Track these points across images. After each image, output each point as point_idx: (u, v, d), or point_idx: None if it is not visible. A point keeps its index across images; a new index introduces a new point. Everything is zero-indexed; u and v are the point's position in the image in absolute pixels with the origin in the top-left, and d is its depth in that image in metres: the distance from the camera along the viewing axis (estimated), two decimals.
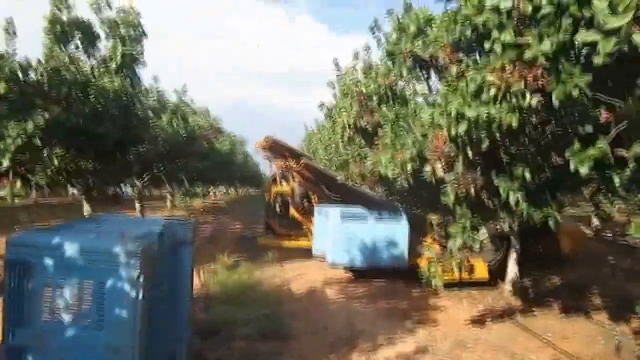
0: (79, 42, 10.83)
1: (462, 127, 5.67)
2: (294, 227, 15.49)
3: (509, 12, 5.11)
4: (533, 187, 6.47)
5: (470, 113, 5.46)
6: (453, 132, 5.87)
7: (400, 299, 10.06)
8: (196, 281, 9.87)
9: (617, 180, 5.31)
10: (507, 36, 5.09)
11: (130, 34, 11.17)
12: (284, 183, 16.32)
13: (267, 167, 18.60)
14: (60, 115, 9.46)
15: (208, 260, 12.37)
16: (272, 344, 7.12)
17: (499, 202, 6.77)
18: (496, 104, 5.14)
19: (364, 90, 11.06)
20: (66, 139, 10.28)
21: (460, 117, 5.65)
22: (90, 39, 10.91)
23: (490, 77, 5.05)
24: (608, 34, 3.34)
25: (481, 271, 10.43)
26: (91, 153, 12.10)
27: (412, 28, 9.40)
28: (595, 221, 18.66)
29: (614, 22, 3.26)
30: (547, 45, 4.27)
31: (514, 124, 5.01)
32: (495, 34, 5.22)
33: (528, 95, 4.73)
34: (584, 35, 3.72)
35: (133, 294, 4.34)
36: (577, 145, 4.82)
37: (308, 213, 14.43)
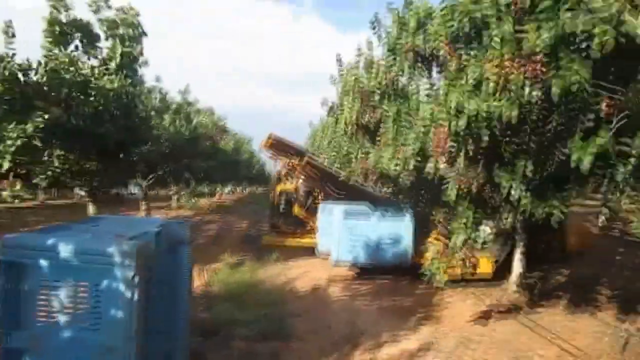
0: (78, 42, 10.79)
1: (462, 122, 5.57)
2: (298, 225, 15.42)
3: (507, 5, 5.03)
4: (535, 182, 6.37)
5: (469, 107, 5.38)
6: (453, 127, 5.78)
7: (404, 297, 9.99)
8: (198, 280, 9.90)
9: (620, 173, 5.20)
10: (506, 29, 5.00)
11: (129, 33, 11.12)
12: (288, 181, 16.28)
13: (273, 165, 18.63)
14: (60, 116, 9.44)
15: (212, 259, 12.37)
16: (273, 344, 7.07)
17: (501, 197, 6.68)
18: (495, 98, 5.04)
19: (366, 87, 10.94)
20: (67, 140, 10.28)
21: (459, 111, 5.56)
22: (89, 39, 10.88)
23: (489, 71, 4.95)
24: (601, 20, 3.25)
25: (485, 268, 10.32)
26: (94, 153, 12.10)
27: (413, 23, 9.26)
28: (602, 217, 18.43)
29: (605, 9, 3.17)
30: (545, 37, 4.17)
31: (514, 117, 4.91)
32: (493, 26, 5.14)
33: (527, 88, 4.63)
34: (576, 23, 3.63)
35: (128, 294, 4.29)
36: (578, 139, 4.72)
37: (312, 211, 14.37)
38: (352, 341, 7.36)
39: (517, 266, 10.15)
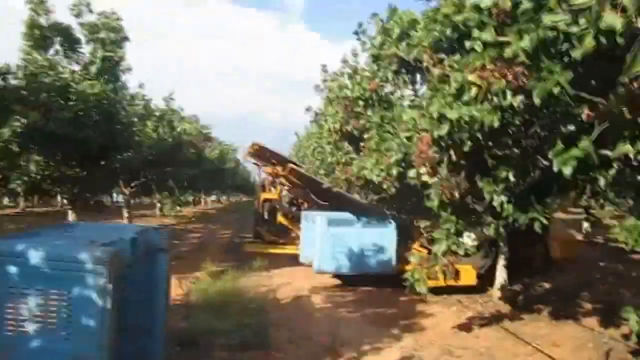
0: (59, 46, 10.65)
1: (444, 129, 5.54)
2: (282, 233, 15.29)
3: (489, 10, 5.01)
4: (518, 190, 6.35)
5: (451, 114, 5.33)
6: (435, 135, 5.74)
7: (387, 306, 9.90)
8: (179, 289, 9.74)
9: (602, 181, 5.19)
10: (488, 35, 4.98)
11: (111, 37, 11.00)
12: (272, 189, 16.18)
13: (257, 174, 18.53)
14: (38, 120, 9.28)
15: (194, 268, 12.20)
16: (252, 354, 6.93)
17: (483, 205, 6.64)
18: (477, 104, 5.01)
19: (350, 95, 10.94)
20: (46, 145, 10.13)
21: (442, 118, 5.52)
22: (70, 43, 10.74)
23: (471, 77, 4.92)
24: (577, 14, 3.22)
25: (468, 277, 10.29)
26: (74, 160, 11.93)
27: (396, 31, 9.30)
28: (586, 225, 18.60)
29: (585, 3, 3.13)
30: (526, 42, 4.14)
31: (495, 124, 4.88)
32: (475, 32, 5.12)
33: (509, 95, 4.60)
34: (551, 17, 3.61)
35: (101, 302, 4.16)
36: (560, 146, 4.68)
37: (296, 219, 14.26)
38: (333, 351, 7.23)
39: (501, 275, 10.15)
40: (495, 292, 10.22)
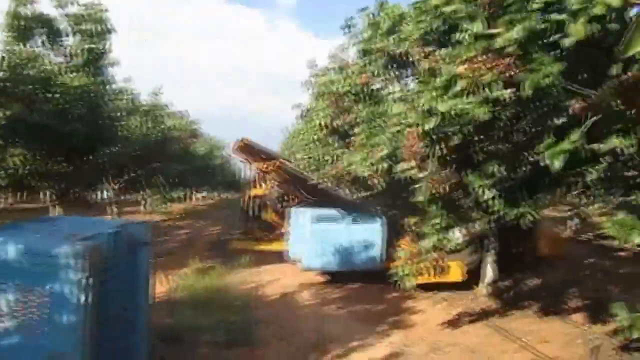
0: (43, 37, 10.43)
1: (433, 122, 5.45)
2: (270, 230, 15.18)
3: (478, 2, 4.93)
4: (507, 185, 6.28)
5: (440, 107, 5.25)
6: (424, 128, 5.66)
7: (375, 302, 9.82)
8: (164, 286, 9.60)
9: (591, 175, 5.14)
10: (477, 27, 4.90)
11: (95, 29, 10.77)
12: (260, 186, 16.06)
13: (245, 170, 18.39)
14: (21, 112, 9.05)
15: (180, 264, 12.05)
16: (238, 351, 6.82)
17: (472, 200, 6.58)
18: (466, 97, 4.92)
19: (338, 90, 10.81)
20: (29, 138, 9.89)
21: (430, 111, 5.43)
22: (54, 35, 10.51)
23: (460, 69, 4.83)
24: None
25: (456, 273, 10.22)
26: (60, 154, 11.71)
27: (385, 25, 9.22)
28: (573, 222, 18.65)
29: None
30: (516, 32, 4.06)
31: (485, 116, 4.80)
32: (465, 24, 5.04)
33: (498, 86, 4.52)
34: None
35: (80, 297, 4.05)
36: (549, 139, 4.61)
37: (284, 215, 14.15)
38: (320, 348, 7.15)
39: (489, 271, 10.10)
40: (484, 288, 10.17)
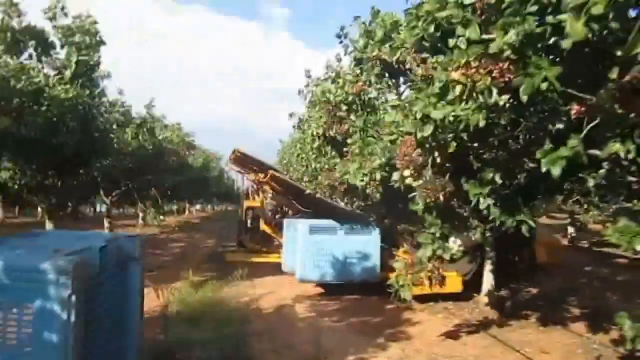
0: (32, 50, 10.32)
1: (428, 130, 5.34)
2: (265, 241, 15.03)
3: (473, 7, 4.83)
4: (505, 193, 6.17)
5: (435, 115, 5.14)
6: (419, 136, 5.55)
7: (372, 315, 9.68)
8: (157, 300, 9.42)
9: (591, 182, 5.03)
10: (472, 33, 4.81)
11: (86, 41, 10.69)
12: (256, 197, 15.93)
13: (241, 181, 18.29)
14: (10, 125, 8.93)
15: (174, 277, 11.87)
16: None
17: (469, 209, 6.46)
18: (462, 103, 4.82)
19: (333, 99, 10.74)
20: (19, 151, 9.76)
21: (425, 119, 5.32)
22: (44, 47, 10.41)
23: (455, 75, 4.72)
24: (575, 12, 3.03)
25: (454, 283, 10.10)
26: (51, 167, 11.57)
27: (379, 33, 9.16)
28: (571, 230, 18.64)
29: None
30: (512, 36, 3.96)
31: (481, 123, 4.69)
32: (459, 30, 4.94)
33: (495, 92, 4.41)
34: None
35: (64, 316, 3.88)
36: (548, 145, 4.50)
37: (280, 227, 14.01)
38: None
39: (487, 281, 9.99)
40: (482, 298, 10.05)
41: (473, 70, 4.56)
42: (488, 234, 7.51)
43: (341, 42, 10.78)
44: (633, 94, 3.63)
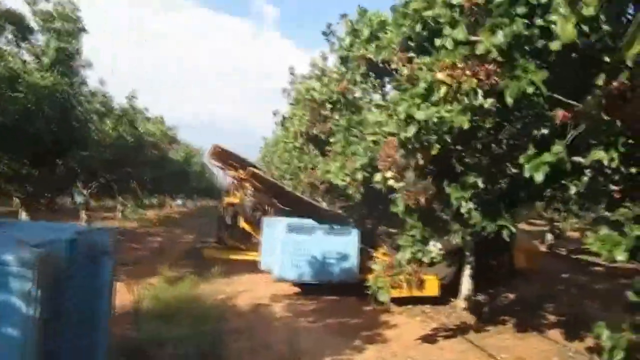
0: (10, 35, 10.03)
1: (411, 131, 5.25)
2: (244, 239, 14.85)
3: (461, 7, 4.76)
4: (486, 197, 6.11)
5: (419, 115, 5.06)
6: (402, 136, 5.46)
7: (350, 316, 9.58)
8: (130, 296, 9.21)
9: (573, 189, 4.98)
10: (460, 34, 4.73)
11: (66, 28, 10.42)
12: (236, 194, 15.75)
13: (222, 177, 18.09)
14: None
15: (150, 273, 11.68)
16: None
17: (451, 212, 6.39)
18: (447, 105, 4.74)
19: (317, 97, 10.63)
20: None
21: (409, 119, 5.24)
22: (22, 32, 10.12)
23: (440, 75, 4.64)
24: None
25: (432, 287, 10.04)
26: (26, 156, 11.28)
27: (366, 32, 9.07)
28: (550, 237, 18.78)
29: None
30: (500, 38, 3.89)
31: (465, 125, 4.61)
32: (447, 30, 4.86)
33: (480, 94, 4.34)
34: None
35: (26, 310, 3.71)
36: (531, 150, 4.44)
37: (259, 225, 13.84)
38: None
39: (466, 285, 9.97)
40: (460, 302, 10.02)
41: (459, 71, 4.49)
42: (469, 238, 7.45)
43: (327, 39, 10.70)
44: (620, 101, 3.58)
